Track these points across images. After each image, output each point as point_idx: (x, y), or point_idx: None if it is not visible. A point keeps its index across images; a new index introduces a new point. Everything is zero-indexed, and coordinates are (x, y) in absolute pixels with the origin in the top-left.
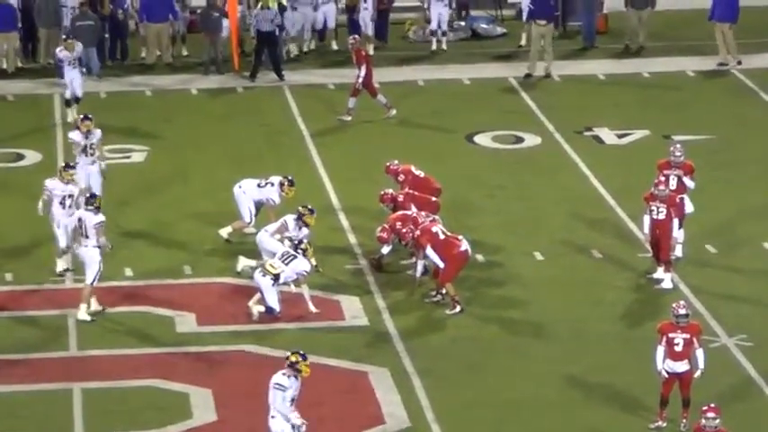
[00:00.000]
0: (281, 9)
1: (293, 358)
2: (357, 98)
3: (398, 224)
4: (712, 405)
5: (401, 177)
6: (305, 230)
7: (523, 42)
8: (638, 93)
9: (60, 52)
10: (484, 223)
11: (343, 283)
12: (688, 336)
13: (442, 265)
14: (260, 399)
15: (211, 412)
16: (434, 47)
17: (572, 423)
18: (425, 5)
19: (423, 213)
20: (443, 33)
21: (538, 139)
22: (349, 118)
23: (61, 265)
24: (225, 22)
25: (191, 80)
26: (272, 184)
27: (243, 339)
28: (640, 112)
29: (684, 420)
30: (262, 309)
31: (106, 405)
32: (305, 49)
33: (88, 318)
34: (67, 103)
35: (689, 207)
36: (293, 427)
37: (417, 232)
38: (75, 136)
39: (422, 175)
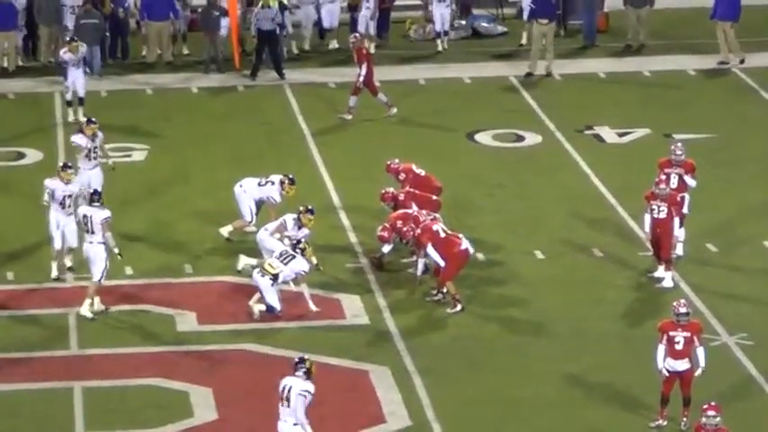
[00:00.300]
0: (282, 8)
1: (308, 364)
2: (358, 97)
3: (399, 223)
4: (713, 403)
5: (402, 176)
6: (304, 230)
7: (524, 41)
8: (639, 91)
9: (65, 54)
10: (484, 222)
11: (343, 282)
12: (689, 334)
13: (442, 263)
14: (260, 398)
15: (212, 411)
16: (440, 48)
17: (572, 422)
18: (430, 8)
19: (423, 212)
20: (445, 33)
21: (538, 137)
22: (350, 117)
23: (56, 269)
24: (224, 21)
25: (191, 79)
26: (273, 183)
27: (243, 338)
28: (641, 111)
29: (685, 419)
30: (263, 308)
31: (107, 404)
32: (305, 48)
33: (90, 314)
34: (69, 104)
35: (688, 206)
36: None
37: (418, 231)
38: (79, 140)
39: (422, 173)
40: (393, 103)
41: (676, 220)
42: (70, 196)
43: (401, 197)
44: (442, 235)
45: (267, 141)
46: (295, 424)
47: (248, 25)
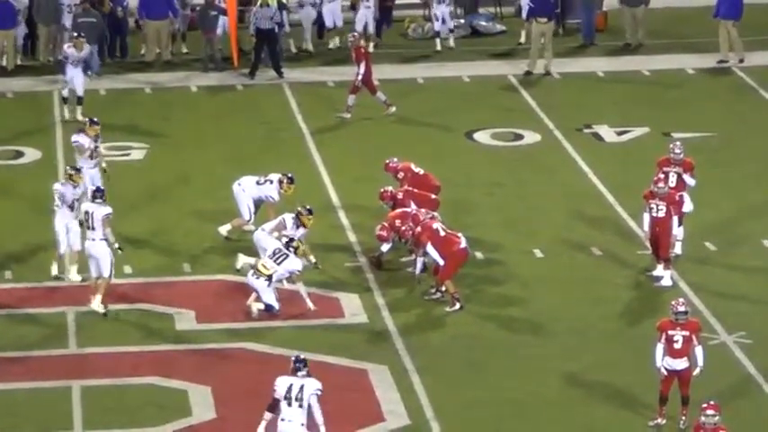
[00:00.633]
0: (281, 7)
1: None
2: (356, 95)
3: (398, 222)
4: (712, 402)
5: (400, 175)
6: (301, 230)
7: (523, 40)
8: (638, 90)
9: (68, 48)
10: (483, 221)
11: (342, 281)
12: (687, 333)
13: (441, 262)
14: (259, 396)
15: (210, 410)
16: (439, 47)
17: (571, 420)
18: (432, 11)
19: (423, 210)
20: (450, 31)
21: (537, 136)
22: (348, 115)
23: (56, 269)
24: (221, 20)
25: (190, 77)
26: (272, 182)
27: (242, 337)
28: (640, 110)
29: (684, 418)
30: (261, 306)
31: (105, 402)
32: (306, 47)
33: (102, 310)
34: (64, 101)
35: (688, 205)
36: None
37: (418, 229)
38: (82, 140)
39: (421, 172)
40: (392, 102)
41: (675, 219)
42: (78, 199)
43: (400, 196)
44: (442, 234)
45: (266, 140)
46: (302, 424)
47: (247, 24)
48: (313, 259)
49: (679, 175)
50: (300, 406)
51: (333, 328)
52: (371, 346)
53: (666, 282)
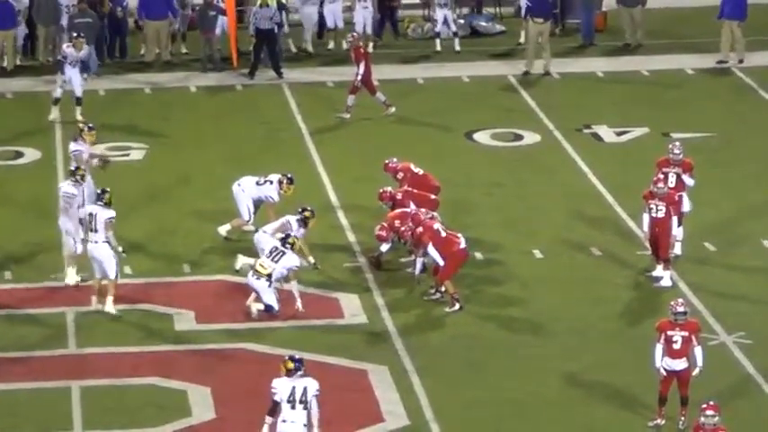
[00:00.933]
0: (280, 7)
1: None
2: (356, 96)
3: (397, 222)
4: (711, 403)
5: (400, 175)
6: (302, 230)
7: (522, 40)
8: (638, 90)
9: (67, 48)
10: (483, 221)
11: (341, 281)
12: (686, 333)
13: (441, 262)
14: (259, 397)
15: (210, 410)
16: (439, 48)
17: (571, 421)
18: (434, 14)
19: (422, 210)
20: (455, 34)
21: (537, 136)
22: (348, 116)
23: (72, 275)
24: (220, 20)
25: (189, 77)
26: (271, 182)
27: (242, 337)
28: (639, 110)
29: (683, 418)
30: (261, 307)
31: (105, 403)
32: (306, 48)
33: (114, 311)
34: (56, 101)
35: (687, 205)
36: None
37: (420, 229)
38: (79, 147)
39: (421, 172)
40: (391, 102)
41: (674, 219)
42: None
43: (399, 196)
44: (443, 234)
45: (265, 140)
46: (304, 425)
47: (246, 24)
48: (312, 260)
49: (678, 176)
50: (305, 408)
51: (332, 328)
52: (371, 347)
53: (666, 282)
